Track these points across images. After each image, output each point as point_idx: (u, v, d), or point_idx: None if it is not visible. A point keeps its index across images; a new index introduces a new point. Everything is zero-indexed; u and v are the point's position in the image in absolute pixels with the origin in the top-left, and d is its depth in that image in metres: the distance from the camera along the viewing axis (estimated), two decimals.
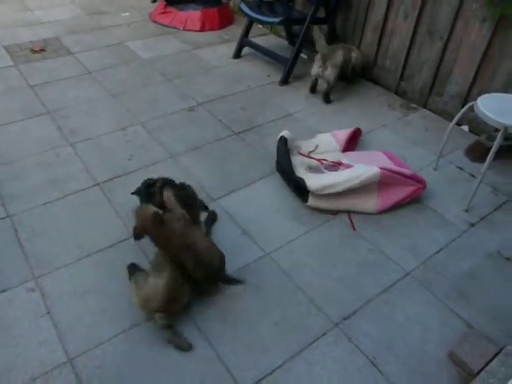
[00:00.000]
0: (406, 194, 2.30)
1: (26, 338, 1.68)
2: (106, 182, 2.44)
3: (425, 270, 2.02)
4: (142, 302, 1.69)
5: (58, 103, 3.10)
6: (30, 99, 3.13)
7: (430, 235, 2.20)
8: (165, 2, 4.50)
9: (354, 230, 2.20)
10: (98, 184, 2.42)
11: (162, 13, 4.46)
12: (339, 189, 2.20)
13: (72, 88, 3.30)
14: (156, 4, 4.71)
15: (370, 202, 2.27)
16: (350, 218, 2.26)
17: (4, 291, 1.85)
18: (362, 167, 2.28)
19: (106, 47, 3.95)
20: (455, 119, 2.39)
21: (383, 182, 2.24)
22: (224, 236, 2.12)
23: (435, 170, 2.62)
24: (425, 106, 3.23)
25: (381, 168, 2.22)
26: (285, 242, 2.13)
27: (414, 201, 2.35)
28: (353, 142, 2.73)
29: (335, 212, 2.29)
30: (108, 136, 2.80)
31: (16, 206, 2.25)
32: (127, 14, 4.69)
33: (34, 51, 3.80)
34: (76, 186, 2.39)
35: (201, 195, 2.30)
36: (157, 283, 1.69)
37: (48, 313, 1.77)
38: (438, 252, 2.11)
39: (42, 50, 3.82)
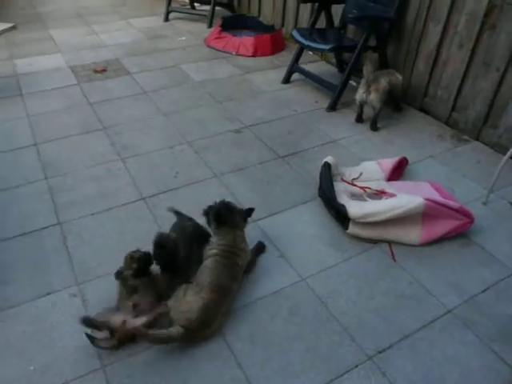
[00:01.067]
0: (451, 228, 2.21)
1: (64, 341, 1.75)
2: (151, 196, 2.52)
3: (468, 309, 1.92)
4: (176, 314, 1.71)
5: (114, 120, 3.27)
6: (89, 115, 3.33)
7: (476, 273, 2.10)
8: (220, 28, 4.68)
9: (395, 260, 2.14)
10: (143, 198, 2.51)
11: (217, 38, 4.63)
12: (381, 218, 2.16)
13: (127, 106, 3.48)
14: (211, 29, 4.90)
15: (413, 234, 2.20)
16: (390, 248, 2.20)
17: (49, 294, 1.95)
18: (406, 197, 2.23)
19: (162, 69, 4.15)
20: (509, 153, 2.30)
21: (428, 213, 2.17)
22: (261, 257, 2.13)
23: (485, 204, 2.51)
24: (477, 139, 3.12)
25: (426, 199, 2.16)
26: (322, 268, 2.10)
27: (460, 235, 2.25)
28: (398, 172, 2.67)
29: (375, 241, 2.23)
30: (157, 153, 2.91)
31: (67, 215, 2.38)
32: (184, 38, 4.92)
33: (96, 71, 4.05)
34: (123, 199, 2.50)
35: None
36: (196, 300, 1.71)
37: None
38: (483, 291, 2.01)
39: (104, 71, 4.07)
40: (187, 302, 1.73)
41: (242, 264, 1.94)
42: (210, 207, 2.04)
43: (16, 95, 3.60)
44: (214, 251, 1.89)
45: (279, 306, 1.91)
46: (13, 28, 5.06)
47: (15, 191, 2.55)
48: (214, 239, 1.97)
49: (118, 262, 2.06)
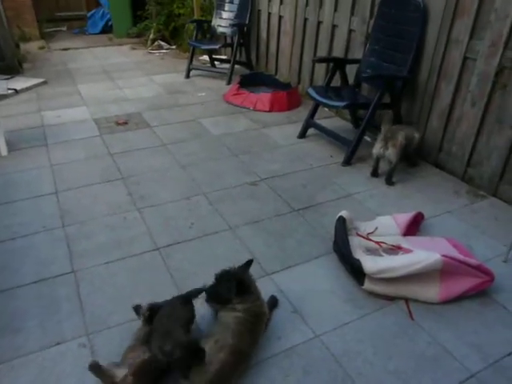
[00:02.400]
0: (471, 286, 2.15)
1: None
2: (165, 247, 2.53)
3: (493, 374, 1.82)
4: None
5: (132, 171, 3.35)
6: (109, 166, 3.42)
7: (500, 334, 2.01)
8: (238, 85, 4.87)
9: (412, 319, 2.07)
10: (158, 249, 2.52)
11: (235, 94, 4.81)
12: (397, 274, 2.11)
13: (146, 157, 3.58)
14: (230, 86, 5.11)
15: (431, 291, 2.14)
16: (407, 306, 2.13)
17: (58, 344, 1.92)
18: (423, 253, 2.19)
19: (181, 123, 4.29)
20: None
21: (446, 270, 2.12)
22: (274, 312, 2.08)
23: (505, 262, 2.44)
24: (494, 194, 3.10)
25: (443, 255, 2.12)
26: (337, 325, 2.04)
27: (480, 293, 2.18)
28: (414, 227, 2.65)
29: (392, 298, 2.17)
30: (173, 204, 2.94)
31: (81, 263, 2.39)
32: (203, 93, 5.12)
33: (118, 124, 4.21)
34: (137, 249, 2.51)
35: (256, 268, 2.32)
36: (214, 360, 1.65)
37: None
38: (509, 354, 1.91)
39: (125, 123, 4.23)
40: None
41: (263, 329, 1.90)
42: (227, 272, 1.95)
43: (42, 145, 3.75)
44: (239, 314, 1.81)
45: (292, 364, 1.84)
46: (44, 83, 5.36)
47: (33, 238, 2.59)
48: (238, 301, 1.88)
49: (130, 313, 2.04)
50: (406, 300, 2.17)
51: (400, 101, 3.57)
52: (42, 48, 7.08)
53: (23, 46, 6.70)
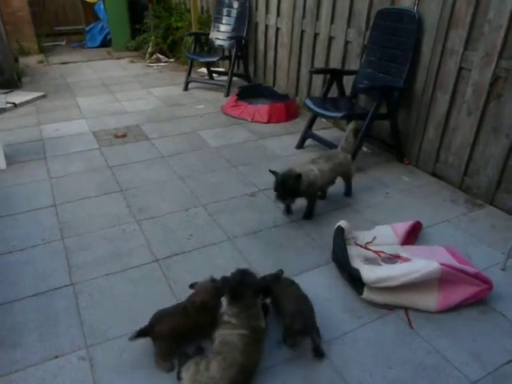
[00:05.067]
0: (469, 294, 2.15)
1: None
2: (164, 258, 2.53)
3: (493, 382, 1.82)
4: None
5: (131, 183, 3.36)
6: (107, 178, 3.43)
7: (499, 342, 2.01)
8: (236, 97, 4.91)
9: (412, 327, 2.07)
10: (157, 260, 2.52)
11: (233, 106, 4.85)
12: (396, 283, 2.12)
13: (145, 170, 3.59)
14: (228, 98, 5.15)
15: (430, 300, 2.14)
16: (407, 315, 2.13)
17: (57, 357, 1.91)
18: (421, 262, 2.20)
19: (180, 135, 4.32)
20: None
21: (444, 279, 2.13)
22: (273, 324, 2.07)
23: (503, 270, 2.45)
24: (492, 203, 3.12)
25: (442, 264, 2.13)
26: (337, 334, 2.04)
27: (478, 302, 2.19)
28: (413, 236, 2.66)
29: (392, 307, 2.18)
30: (171, 215, 2.95)
31: (80, 275, 2.39)
32: (202, 106, 5.16)
33: (117, 136, 4.23)
34: (136, 261, 2.51)
35: None
36: (223, 378, 1.65)
37: None
38: (508, 363, 1.91)
39: (124, 136, 4.25)
40: (211, 377, 1.66)
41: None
42: (225, 279, 1.94)
43: (41, 158, 3.76)
44: (244, 332, 1.79)
45: (293, 374, 1.84)
46: (43, 96, 5.39)
47: (32, 251, 2.59)
48: (234, 313, 1.87)
49: (129, 325, 2.04)
50: (406, 309, 2.17)
51: (397, 111, 3.61)
52: (40, 62, 7.13)
53: (22, 60, 6.76)
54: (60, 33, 9.09)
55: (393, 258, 2.38)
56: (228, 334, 1.81)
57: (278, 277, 2.09)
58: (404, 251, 2.44)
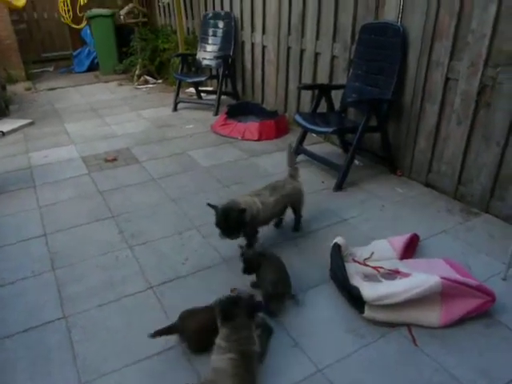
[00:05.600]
0: (473, 307, 2.11)
1: None
2: (159, 285, 2.47)
3: None
4: None
5: (123, 208, 3.31)
6: (98, 204, 3.37)
7: (506, 356, 1.96)
8: (225, 116, 4.90)
9: (416, 345, 2.01)
10: (151, 287, 2.45)
11: (223, 125, 4.83)
12: (397, 299, 2.07)
13: (136, 193, 3.54)
14: (217, 117, 5.13)
15: (433, 315, 2.09)
16: (410, 332, 2.08)
17: None
18: (422, 276, 2.15)
19: (170, 156, 4.28)
20: None
21: (446, 292, 2.08)
22: (274, 348, 2.01)
23: (504, 280, 2.41)
24: (487, 211, 3.10)
25: (442, 277, 2.08)
26: (339, 356, 1.98)
27: (482, 314, 2.14)
28: (411, 249, 2.62)
29: (394, 324, 2.12)
30: (165, 240, 2.89)
31: (72, 308, 2.32)
32: (191, 126, 5.14)
33: (107, 160, 4.19)
34: (131, 289, 2.44)
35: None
36: None
37: None
38: None
39: (114, 160, 4.20)
40: None
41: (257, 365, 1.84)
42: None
43: (29, 187, 3.70)
44: (233, 356, 1.73)
45: None
46: (31, 124, 5.34)
47: (22, 284, 2.52)
48: (224, 335, 1.83)
49: (124, 356, 1.98)
50: (409, 326, 2.12)
51: (387, 123, 3.61)
52: (28, 89, 7.10)
53: (10, 88, 6.72)
54: (47, 59, 9.10)
55: (392, 274, 2.34)
56: (218, 359, 1.76)
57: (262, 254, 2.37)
58: (403, 266, 2.40)
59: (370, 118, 3.45)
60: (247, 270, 2.35)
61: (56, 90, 7.11)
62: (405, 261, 2.48)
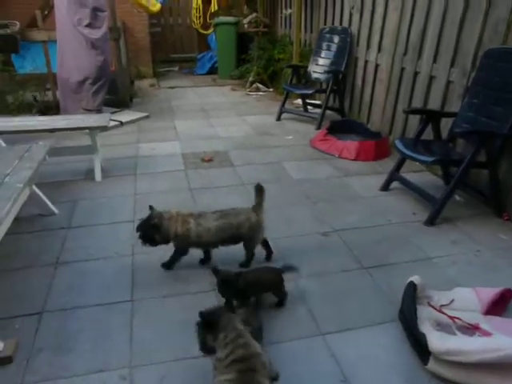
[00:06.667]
0: None
1: None
2: None
3: None
4: None
5: (207, 207, 3.36)
6: (186, 200, 3.54)
7: None
8: (326, 131, 4.83)
9: None
10: (214, 289, 2.48)
11: (322, 140, 4.77)
12: (469, 359, 1.83)
13: (224, 196, 3.64)
14: (318, 131, 5.08)
15: None
16: None
17: (101, 371, 1.95)
18: (505, 339, 1.88)
19: (264, 164, 4.34)
20: None
21: None
22: (319, 377, 1.91)
23: None
24: None
25: None
26: None
27: None
28: (500, 306, 2.30)
29: None
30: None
31: (140, 293, 2.45)
32: (291, 137, 5.16)
33: (203, 160, 4.38)
34: (195, 288, 2.51)
35: (309, 326, 2.19)
36: None
37: None
38: None
39: (210, 160, 4.39)
40: None
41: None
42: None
43: (131, 174, 4.03)
44: (230, 376, 1.54)
45: None
46: (146, 117, 5.83)
47: (104, 262, 2.74)
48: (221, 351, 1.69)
49: (176, 351, 2.03)
50: None
51: (498, 160, 3.24)
52: (152, 85, 7.77)
53: (136, 83, 7.42)
54: (174, 60, 9.89)
55: (471, 329, 2.07)
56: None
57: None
58: (486, 322, 2.12)
59: (479, 152, 3.12)
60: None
61: (176, 89, 7.68)
62: (489, 317, 2.18)
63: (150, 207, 2.61)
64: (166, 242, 2.58)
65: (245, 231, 2.61)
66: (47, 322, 2.24)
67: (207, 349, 1.79)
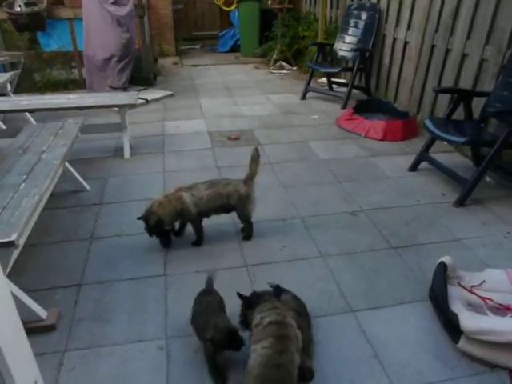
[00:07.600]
0: None
1: None
2: (254, 265, 2.54)
3: None
4: None
5: None
6: (214, 177, 3.56)
7: None
8: (352, 110, 4.77)
9: None
10: (246, 266, 2.54)
11: (348, 119, 4.72)
12: (502, 339, 1.84)
13: None
14: (344, 111, 5.03)
15: None
16: (511, 379, 1.85)
17: (140, 341, 2.04)
18: None
19: (290, 143, 4.33)
20: None
21: None
22: (350, 353, 1.95)
23: None
24: None
25: None
26: (421, 382, 1.84)
27: None
28: None
29: (492, 365, 1.90)
30: (268, 223, 2.96)
31: (173, 268, 2.52)
32: (316, 116, 5.12)
33: (230, 139, 4.40)
34: (227, 263, 2.56)
35: (340, 303, 2.23)
36: None
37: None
38: None
39: (237, 139, 4.40)
40: None
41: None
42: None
43: (159, 152, 4.08)
44: (267, 342, 1.62)
45: None
46: (171, 95, 5.85)
47: (136, 238, 2.79)
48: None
49: None
50: (510, 371, 1.88)
51: None
52: (175, 64, 7.75)
53: (160, 61, 7.42)
54: (197, 37, 9.82)
55: (502, 310, 2.08)
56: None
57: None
58: None
59: None
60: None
61: (198, 67, 7.65)
62: None
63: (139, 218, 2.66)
64: (180, 221, 2.75)
65: (234, 202, 2.71)
66: (85, 294, 2.33)
67: (246, 323, 1.84)
